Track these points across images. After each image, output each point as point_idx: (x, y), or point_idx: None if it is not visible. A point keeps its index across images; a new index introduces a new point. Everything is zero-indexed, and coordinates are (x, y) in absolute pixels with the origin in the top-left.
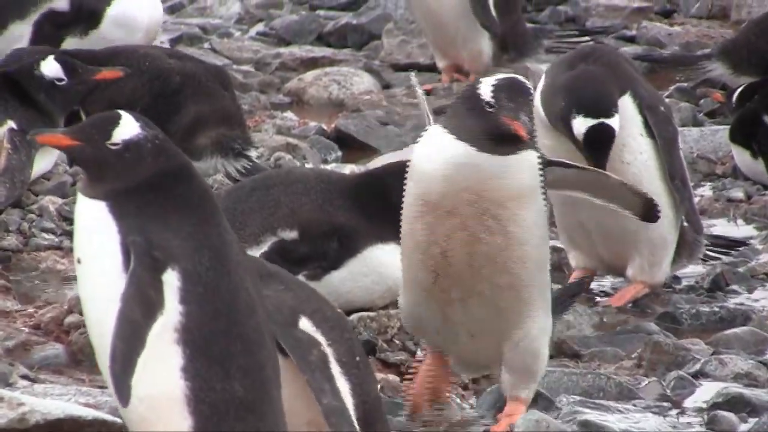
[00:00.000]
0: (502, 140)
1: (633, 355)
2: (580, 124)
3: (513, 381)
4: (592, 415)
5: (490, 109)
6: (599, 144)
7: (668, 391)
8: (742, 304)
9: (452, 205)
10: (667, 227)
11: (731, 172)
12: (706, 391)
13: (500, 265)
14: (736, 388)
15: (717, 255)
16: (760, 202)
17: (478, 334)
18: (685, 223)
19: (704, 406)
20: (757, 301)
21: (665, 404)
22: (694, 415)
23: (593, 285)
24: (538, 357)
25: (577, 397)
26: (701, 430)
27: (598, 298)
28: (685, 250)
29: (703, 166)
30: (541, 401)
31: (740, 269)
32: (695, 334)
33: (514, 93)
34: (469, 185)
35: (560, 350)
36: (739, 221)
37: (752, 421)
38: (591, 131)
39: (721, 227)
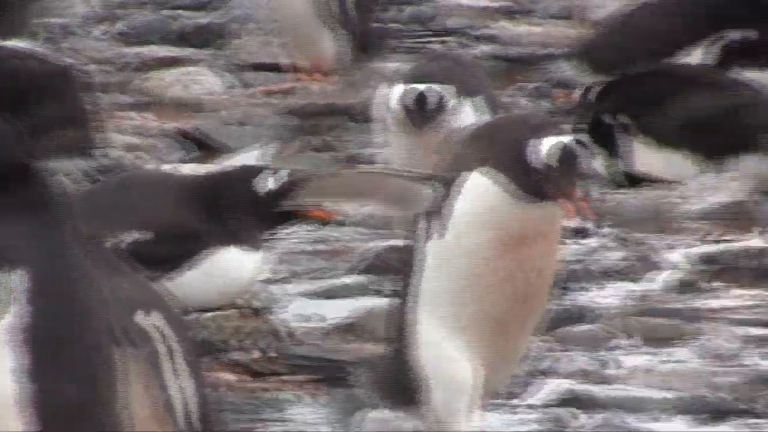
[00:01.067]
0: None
1: None
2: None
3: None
4: None
5: (542, 173)
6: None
7: (513, 387)
8: (591, 300)
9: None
10: None
11: None
12: (545, 388)
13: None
14: (575, 384)
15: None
16: (611, 202)
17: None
18: None
19: (542, 403)
20: (604, 297)
21: (503, 401)
22: (533, 412)
23: None
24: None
25: None
26: (539, 428)
27: None
28: None
29: None
30: None
31: (591, 267)
32: (542, 331)
33: (572, 164)
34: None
35: None
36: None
37: (590, 417)
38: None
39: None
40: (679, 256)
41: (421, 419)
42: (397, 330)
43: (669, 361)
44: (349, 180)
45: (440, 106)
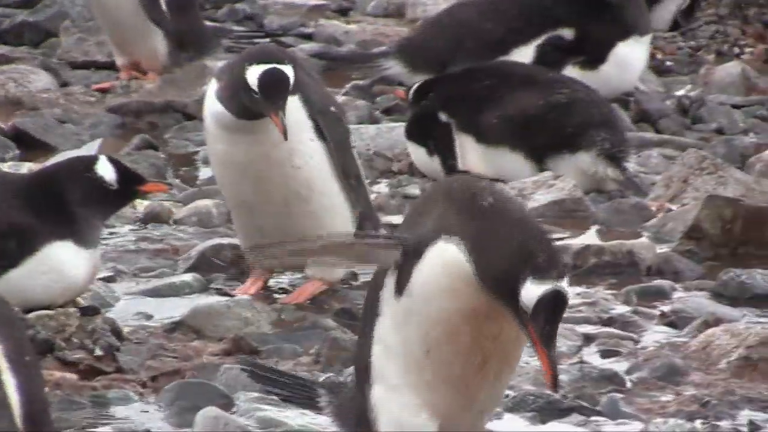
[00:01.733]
0: None
1: (311, 351)
2: (253, 73)
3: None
4: (270, 412)
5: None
6: (274, 88)
7: None
8: None
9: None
10: (344, 224)
11: (407, 169)
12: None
13: None
14: None
15: None
16: None
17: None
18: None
19: None
20: None
21: None
22: None
23: (271, 282)
24: None
25: (256, 394)
26: None
27: (276, 296)
28: None
29: (379, 163)
30: (219, 398)
31: None
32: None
33: (556, 315)
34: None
35: (238, 347)
36: None
37: None
38: (264, 76)
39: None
40: None
41: None
42: (361, 371)
43: None
44: (316, 250)
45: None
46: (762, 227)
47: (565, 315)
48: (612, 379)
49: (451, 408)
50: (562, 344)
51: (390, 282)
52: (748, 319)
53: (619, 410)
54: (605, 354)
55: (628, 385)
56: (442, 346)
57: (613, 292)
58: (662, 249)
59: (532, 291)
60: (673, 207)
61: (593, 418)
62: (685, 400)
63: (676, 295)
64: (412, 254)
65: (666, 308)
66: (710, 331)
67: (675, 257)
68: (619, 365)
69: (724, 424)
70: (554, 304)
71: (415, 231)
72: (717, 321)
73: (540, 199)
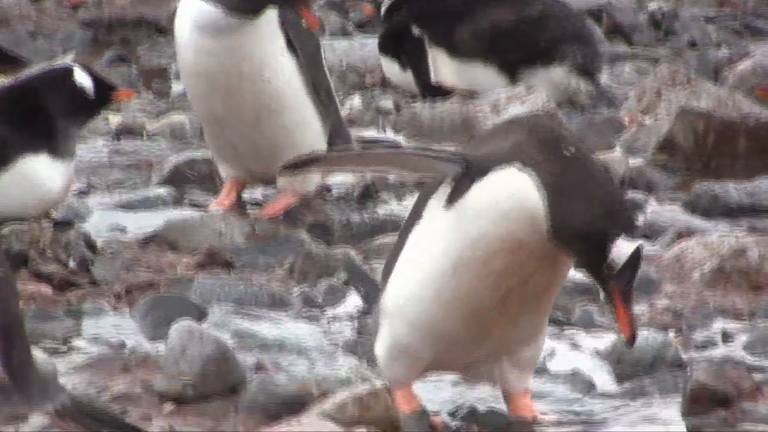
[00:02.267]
0: None
1: (285, 264)
2: None
3: (522, 374)
4: (244, 323)
5: (607, 270)
6: None
7: (319, 298)
8: (392, 212)
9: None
10: (315, 139)
11: (380, 83)
12: (356, 299)
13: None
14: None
15: None
16: (408, 113)
17: (507, 341)
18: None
19: (355, 313)
20: (406, 209)
21: (316, 312)
22: (345, 322)
23: (245, 195)
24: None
25: (230, 306)
26: (352, 337)
27: (249, 208)
28: None
29: (352, 77)
30: (193, 310)
31: (389, 178)
32: (346, 243)
33: (635, 269)
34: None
35: (212, 260)
36: (389, 131)
37: None
38: None
39: (371, 136)
40: None
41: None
42: (386, 269)
43: None
44: (371, 158)
45: None
46: (734, 140)
47: None
48: (586, 290)
49: (458, 338)
50: None
51: (443, 190)
52: (721, 230)
53: (593, 321)
54: None
55: (602, 296)
56: (471, 269)
57: None
58: (635, 162)
59: (624, 248)
60: (646, 120)
61: (567, 328)
62: (658, 312)
63: (649, 207)
64: (476, 170)
65: (639, 220)
66: (683, 242)
67: (648, 170)
68: None
69: (697, 334)
70: (638, 261)
71: (484, 152)
72: (690, 233)
73: (513, 112)
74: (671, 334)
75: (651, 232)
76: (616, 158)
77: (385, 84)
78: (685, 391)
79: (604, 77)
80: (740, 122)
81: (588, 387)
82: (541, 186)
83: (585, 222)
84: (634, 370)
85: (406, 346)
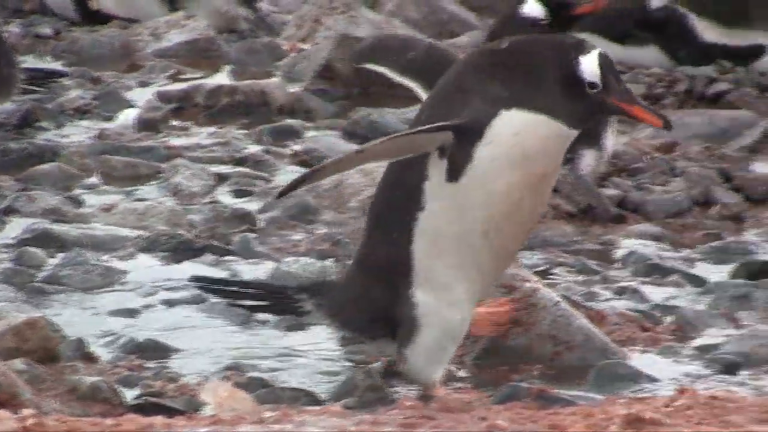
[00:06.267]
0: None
1: None
2: None
3: None
4: None
5: (593, 90)
6: None
7: None
8: (50, 140)
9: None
10: None
11: (39, 9)
12: (15, 227)
13: None
14: (44, 224)
15: (34, 89)
16: (68, 38)
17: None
18: None
19: (13, 242)
20: (65, 136)
21: None
22: (5, 251)
23: None
24: None
25: None
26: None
27: None
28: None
29: (12, 2)
30: None
31: (49, 105)
32: (4, 171)
33: (616, 72)
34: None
35: None
36: (48, 57)
37: (60, 255)
38: None
39: (31, 63)
40: (143, 94)
41: (390, 354)
42: (389, 266)
43: (140, 200)
44: (369, 154)
45: None
46: None
47: (197, 155)
48: (245, 218)
49: (490, 285)
50: (196, 184)
51: (437, 170)
52: None
53: (252, 249)
54: (238, 194)
55: (261, 224)
56: (502, 223)
57: (246, 131)
58: (294, 88)
59: (588, 62)
60: (305, 47)
61: (226, 257)
62: (316, 239)
63: (308, 134)
64: (468, 134)
65: (298, 147)
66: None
67: (307, 96)
68: (251, 205)
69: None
70: (609, 62)
71: (458, 111)
72: None
73: (173, 39)
74: (329, 262)
75: (311, 160)
76: (275, 85)
77: (44, 10)
78: None
79: (264, 4)
80: None
81: (246, 317)
82: (530, 105)
83: (554, 86)
84: None
85: (452, 339)
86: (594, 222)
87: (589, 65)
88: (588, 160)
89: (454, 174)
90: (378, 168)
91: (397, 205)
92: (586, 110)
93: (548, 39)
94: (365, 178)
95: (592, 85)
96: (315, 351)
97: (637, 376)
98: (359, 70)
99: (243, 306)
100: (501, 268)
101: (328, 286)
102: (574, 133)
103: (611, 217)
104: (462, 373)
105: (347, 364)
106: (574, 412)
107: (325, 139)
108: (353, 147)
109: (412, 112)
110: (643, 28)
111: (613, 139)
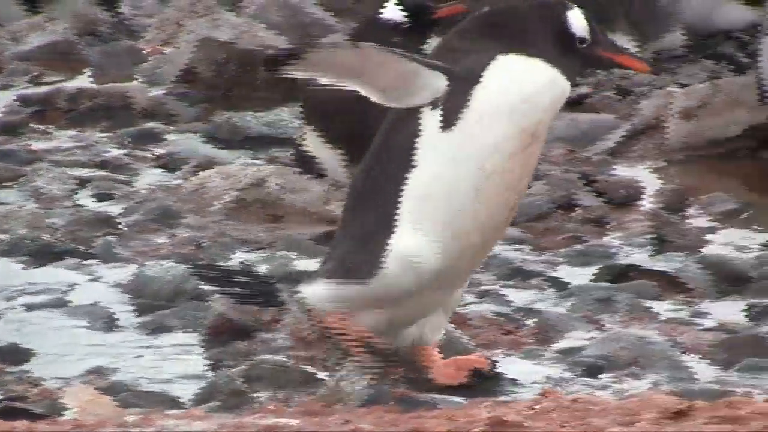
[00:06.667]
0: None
1: None
2: None
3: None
4: None
5: (582, 45)
6: None
7: None
8: None
9: (542, 132)
10: None
11: None
12: None
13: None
14: None
15: None
16: None
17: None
18: None
19: None
20: None
21: None
22: None
23: None
24: None
25: None
26: None
27: None
28: None
29: None
30: None
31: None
32: None
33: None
34: (556, 111)
35: None
36: None
37: None
38: None
39: None
40: (3, 97)
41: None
42: (372, 230)
43: (1, 204)
44: (356, 55)
45: None
46: (253, 70)
47: (59, 158)
48: (106, 222)
49: (479, 253)
50: (57, 188)
51: (431, 121)
52: (241, 161)
53: (113, 253)
54: (100, 197)
55: (123, 228)
56: (494, 179)
57: (108, 135)
58: (155, 92)
59: (576, 17)
60: (167, 50)
61: (87, 261)
62: (179, 242)
63: (170, 137)
64: (464, 79)
65: (160, 151)
66: (204, 173)
67: (168, 100)
68: (113, 208)
69: (220, 264)
70: (589, 16)
71: (461, 62)
72: (211, 163)
73: (34, 42)
74: (190, 267)
75: (172, 163)
76: (137, 88)
77: None
78: (205, 322)
79: (125, 7)
80: (259, 52)
81: (108, 321)
82: (527, 51)
83: (548, 37)
84: (155, 303)
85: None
86: None
87: (577, 20)
88: None
89: (448, 121)
90: (240, 172)
91: (386, 169)
92: (578, 63)
93: (530, 1)
94: (227, 182)
95: (582, 39)
96: (179, 355)
97: (500, 379)
98: (220, 72)
99: (232, 294)
100: (485, 247)
101: (306, 275)
102: (568, 87)
103: None
104: (325, 376)
105: (211, 367)
106: (437, 415)
107: (186, 142)
108: (215, 150)
109: (270, 114)
110: None
111: None
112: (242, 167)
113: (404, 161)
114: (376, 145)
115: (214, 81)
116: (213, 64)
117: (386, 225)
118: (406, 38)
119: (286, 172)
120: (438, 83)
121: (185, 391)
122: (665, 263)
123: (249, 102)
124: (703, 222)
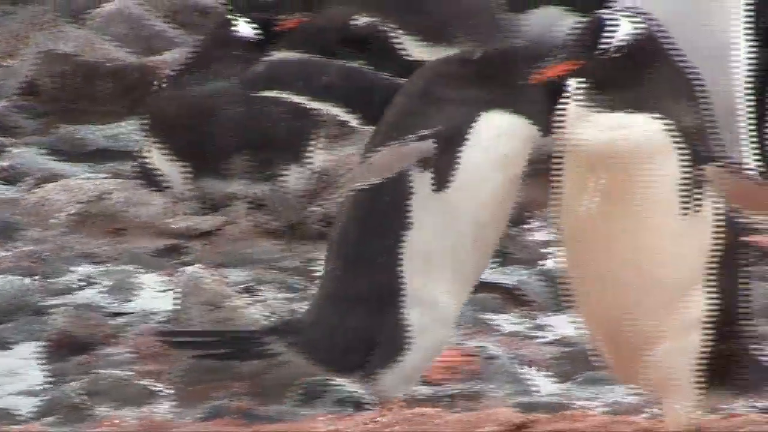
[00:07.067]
0: None
1: None
2: None
3: None
4: None
5: None
6: None
7: None
8: None
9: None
10: None
11: None
12: None
13: None
14: None
15: None
16: None
17: None
18: None
19: None
20: None
21: None
22: None
23: None
24: None
25: None
26: None
27: None
28: None
29: None
30: None
31: None
32: None
33: None
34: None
35: None
36: None
37: None
38: None
39: None
40: None
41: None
42: (373, 293)
43: None
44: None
45: None
46: (96, 83)
47: None
48: None
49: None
50: None
51: (421, 183)
52: (83, 174)
53: None
54: None
55: None
56: (488, 229)
57: None
58: None
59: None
60: (11, 62)
61: None
62: (20, 256)
63: (13, 150)
64: (451, 140)
65: (3, 164)
66: (46, 186)
67: (11, 113)
68: None
69: (58, 280)
70: None
71: (433, 120)
72: (53, 176)
73: None
74: (32, 280)
75: (14, 176)
76: None
77: None
78: (45, 337)
79: None
80: (102, 65)
81: None
82: (509, 108)
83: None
84: None
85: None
86: (299, 239)
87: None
88: (294, 176)
89: (441, 182)
90: (82, 185)
91: (377, 230)
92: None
93: (521, 49)
94: (69, 195)
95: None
96: (18, 369)
97: (342, 393)
98: (63, 85)
99: (212, 356)
100: (478, 277)
101: (296, 324)
102: (543, 139)
103: (315, 235)
104: (166, 391)
105: (50, 382)
106: (277, 429)
107: (28, 155)
108: (58, 164)
109: (113, 128)
110: (349, 45)
111: (320, 156)
112: (85, 181)
113: (398, 222)
114: (360, 207)
115: (56, 94)
116: (56, 77)
117: (394, 289)
118: (249, 52)
119: (129, 186)
120: (425, 145)
121: (24, 407)
122: (507, 276)
123: (92, 115)
124: (543, 236)
